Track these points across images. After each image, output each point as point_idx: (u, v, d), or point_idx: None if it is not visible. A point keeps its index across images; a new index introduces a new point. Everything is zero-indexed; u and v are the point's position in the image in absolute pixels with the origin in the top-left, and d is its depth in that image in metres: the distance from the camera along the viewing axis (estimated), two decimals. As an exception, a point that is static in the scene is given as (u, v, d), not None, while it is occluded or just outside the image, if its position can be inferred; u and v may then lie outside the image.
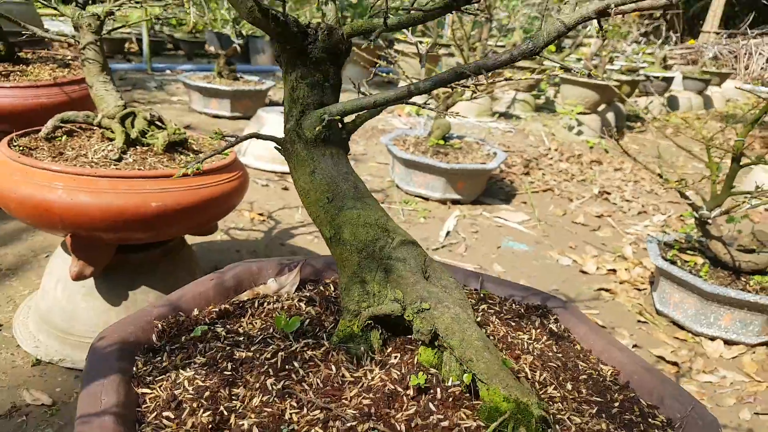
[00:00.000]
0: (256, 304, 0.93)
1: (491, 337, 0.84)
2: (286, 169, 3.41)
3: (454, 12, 0.76)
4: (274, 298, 0.96)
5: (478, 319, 0.88)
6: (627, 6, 0.78)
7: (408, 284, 0.74)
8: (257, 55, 6.74)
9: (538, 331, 0.90)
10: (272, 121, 3.42)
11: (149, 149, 1.64)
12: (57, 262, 1.73)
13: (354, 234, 0.80)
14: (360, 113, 0.94)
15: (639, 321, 2.25)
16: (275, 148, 0.93)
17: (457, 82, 0.81)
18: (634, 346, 2.08)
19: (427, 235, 2.80)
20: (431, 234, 2.81)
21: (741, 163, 2.03)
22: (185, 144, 1.74)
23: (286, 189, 3.19)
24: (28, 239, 2.27)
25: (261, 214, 2.81)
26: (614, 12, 0.77)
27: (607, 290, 2.44)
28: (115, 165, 1.54)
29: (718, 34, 8.55)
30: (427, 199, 3.20)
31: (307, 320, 0.86)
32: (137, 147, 1.63)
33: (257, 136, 0.93)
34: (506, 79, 1.05)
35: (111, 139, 1.63)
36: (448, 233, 2.83)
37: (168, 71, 5.70)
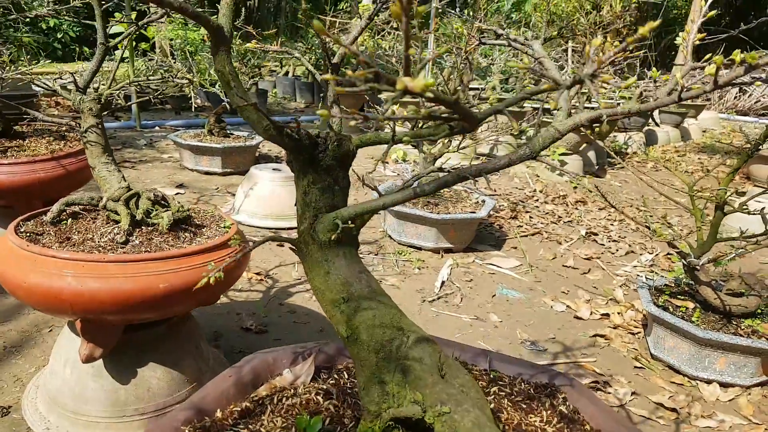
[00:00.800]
0: (275, 400, 0.96)
1: (506, 427, 0.89)
2: (280, 225, 3.47)
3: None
4: (291, 391, 1.00)
5: (492, 405, 0.92)
6: (615, 114, 0.85)
7: (426, 385, 0.78)
8: (243, 106, 6.84)
9: (549, 412, 0.94)
10: (264, 178, 3.48)
11: (154, 229, 1.68)
12: (64, 342, 1.76)
13: (371, 335, 0.84)
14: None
15: (636, 366, 2.29)
16: (290, 248, 0.98)
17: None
18: (633, 393, 2.11)
19: (422, 286, 2.84)
20: (426, 285, 2.85)
21: (725, 211, 2.10)
22: (188, 220, 1.78)
23: (280, 245, 3.23)
24: (30, 314, 2.28)
25: (258, 274, 2.84)
26: (605, 119, 0.84)
27: (602, 336, 2.48)
28: (121, 248, 1.58)
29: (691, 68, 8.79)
30: (419, 248, 3.26)
31: (328, 418, 0.89)
32: (142, 228, 1.67)
33: (273, 239, 0.98)
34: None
35: (116, 221, 1.67)
36: (443, 283, 2.88)
37: (157, 128, 5.77)
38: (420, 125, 0.85)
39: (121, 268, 1.48)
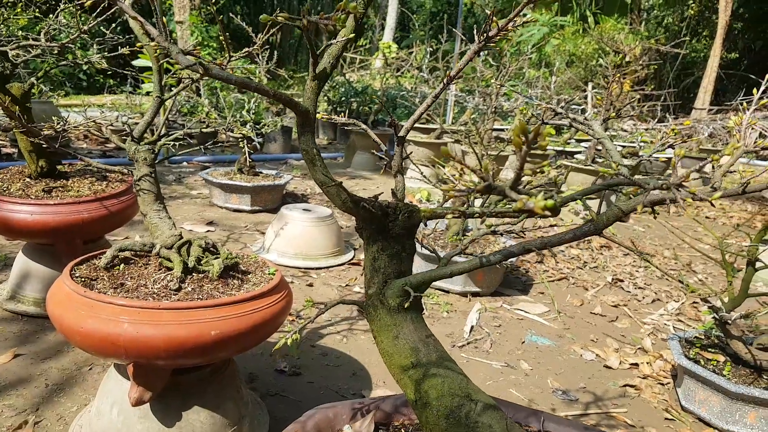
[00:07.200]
0: (340, 456, 1.01)
1: (567, 492, 0.92)
2: (309, 264, 3.53)
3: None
4: (354, 447, 1.04)
5: (550, 469, 0.96)
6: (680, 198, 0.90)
7: (497, 452, 0.82)
8: (270, 143, 6.98)
9: (604, 477, 0.97)
10: (295, 219, 3.55)
11: (205, 276, 1.74)
12: (111, 383, 1.80)
13: (440, 401, 0.88)
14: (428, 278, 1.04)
15: (666, 418, 2.30)
16: (357, 310, 1.03)
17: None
18: (666, 446, 2.12)
19: (451, 330, 2.87)
20: (455, 329, 2.88)
21: (756, 267, 2.13)
22: (236, 267, 1.84)
23: (310, 285, 3.28)
24: (70, 352, 2.33)
25: (290, 314, 2.88)
26: (669, 203, 0.89)
27: (632, 386, 2.50)
28: (174, 294, 1.64)
29: (710, 110, 8.88)
30: (447, 292, 3.29)
31: (396, 477, 0.93)
32: (193, 275, 1.73)
33: (343, 302, 1.03)
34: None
35: (169, 268, 1.73)
36: (472, 328, 2.91)
37: (185, 163, 5.89)
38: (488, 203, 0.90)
39: (176, 315, 1.54)
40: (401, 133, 1.07)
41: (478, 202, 3.24)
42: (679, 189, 0.64)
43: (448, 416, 0.87)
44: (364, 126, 1.10)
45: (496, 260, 0.94)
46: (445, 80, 1.00)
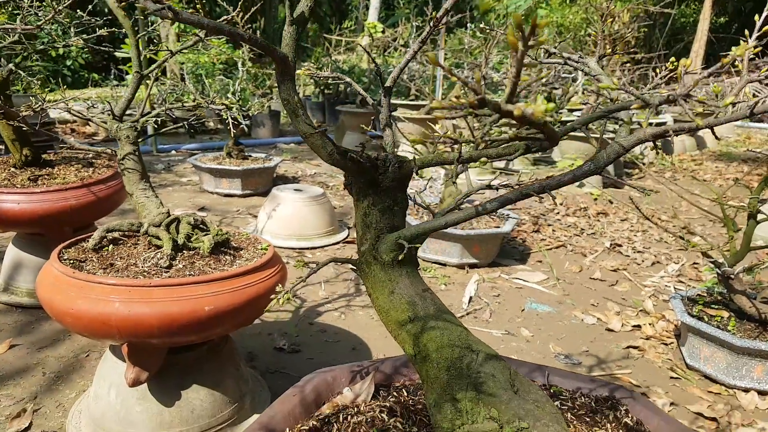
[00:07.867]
0: (340, 419, 0.97)
1: (576, 441, 0.89)
2: (303, 245, 3.49)
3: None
4: (355, 409, 1.01)
5: (557, 420, 0.93)
6: (682, 129, 0.86)
7: (502, 401, 0.79)
8: (258, 128, 6.91)
9: (613, 425, 0.95)
10: (287, 199, 3.51)
11: (195, 253, 1.70)
12: (107, 366, 1.77)
13: (440, 353, 0.85)
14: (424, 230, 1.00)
15: (671, 377, 2.28)
16: (351, 269, 0.99)
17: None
18: (672, 404, 2.10)
19: (450, 302, 2.84)
20: (454, 301, 2.86)
21: (758, 220, 2.10)
22: (227, 243, 1.80)
23: (305, 265, 3.25)
24: (66, 340, 2.30)
25: (286, 293, 2.85)
26: (673, 134, 0.85)
27: (635, 347, 2.48)
28: (165, 272, 1.60)
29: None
30: (444, 264, 3.26)
31: (398, 436, 0.90)
32: (184, 252, 1.69)
33: (335, 260, 0.99)
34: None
35: (158, 246, 1.69)
36: (470, 299, 2.88)
37: (173, 151, 5.82)
38: (482, 145, 0.86)
39: (168, 292, 1.50)
40: (388, 83, 1.02)
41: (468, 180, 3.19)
42: (687, 100, 0.60)
43: (449, 368, 0.84)
44: (348, 79, 1.06)
45: (493, 208, 0.90)
46: (431, 24, 0.95)
